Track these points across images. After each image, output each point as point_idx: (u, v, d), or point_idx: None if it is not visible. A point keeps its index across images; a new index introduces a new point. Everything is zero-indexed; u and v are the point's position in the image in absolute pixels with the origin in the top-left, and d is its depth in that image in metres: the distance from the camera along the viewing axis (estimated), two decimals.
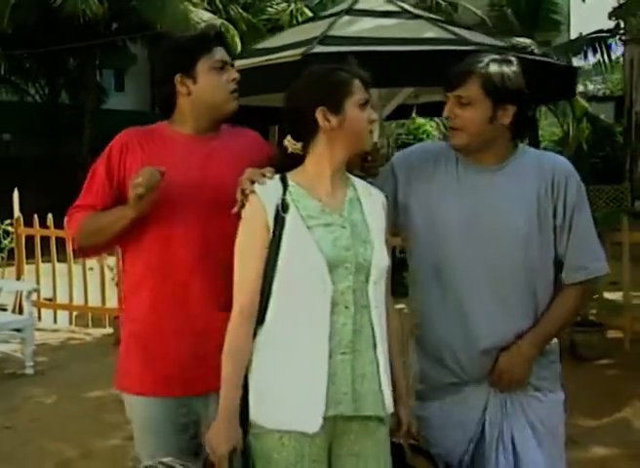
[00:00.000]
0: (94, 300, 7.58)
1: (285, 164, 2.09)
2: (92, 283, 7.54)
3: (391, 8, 4.60)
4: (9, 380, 5.84)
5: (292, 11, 17.18)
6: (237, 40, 15.38)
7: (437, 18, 4.70)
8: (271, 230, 1.99)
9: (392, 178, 2.38)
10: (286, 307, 1.99)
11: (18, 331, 6.07)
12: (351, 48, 4.02)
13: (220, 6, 16.77)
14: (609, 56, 16.43)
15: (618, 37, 12.41)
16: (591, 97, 23.75)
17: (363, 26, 4.32)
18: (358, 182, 2.16)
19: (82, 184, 2.39)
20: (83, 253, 2.47)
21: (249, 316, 2.00)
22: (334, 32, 4.20)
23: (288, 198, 2.01)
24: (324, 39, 4.10)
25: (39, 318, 7.74)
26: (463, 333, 2.31)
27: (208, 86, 2.30)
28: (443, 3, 16.67)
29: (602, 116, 18.70)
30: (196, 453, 2.31)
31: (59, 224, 7.48)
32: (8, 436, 4.59)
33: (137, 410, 2.37)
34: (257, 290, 2.00)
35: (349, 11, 4.53)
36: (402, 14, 4.52)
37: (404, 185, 2.37)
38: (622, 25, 10.33)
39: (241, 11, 17.16)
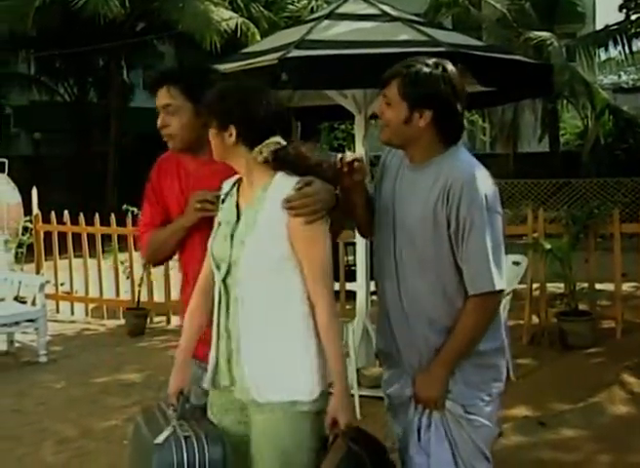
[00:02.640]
0: (108, 293, 7.93)
1: None
2: (107, 277, 7.89)
3: (371, 11, 4.76)
4: (23, 367, 6.20)
5: (312, 7, 17.33)
6: (258, 38, 15.61)
7: (415, 19, 4.83)
8: None
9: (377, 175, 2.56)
10: None
11: (32, 321, 6.40)
12: (325, 51, 4.24)
13: (242, 4, 17.01)
14: (630, 47, 16.34)
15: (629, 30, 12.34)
16: (617, 89, 23.58)
17: (340, 30, 4.49)
18: (277, 184, 2.22)
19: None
20: (156, 264, 3.03)
21: (201, 289, 2.40)
22: (311, 36, 4.39)
23: (230, 194, 2.34)
24: (301, 43, 4.30)
25: (57, 310, 8.12)
26: (387, 322, 2.49)
27: None
28: None
29: (625, 107, 18.55)
30: None
31: (80, 221, 7.86)
32: (14, 417, 4.93)
33: None
34: (207, 269, 2.37)
35: (330, 15, 4.71)
36: (380, 16, 4.69)
37: (376, 182, 2.53)
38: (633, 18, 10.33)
39: (262, 9, 17.37)
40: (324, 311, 2.20)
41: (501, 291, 2.33)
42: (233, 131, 2.20)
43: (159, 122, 2.60)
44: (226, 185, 2.39)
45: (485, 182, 2.32)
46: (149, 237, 2.71)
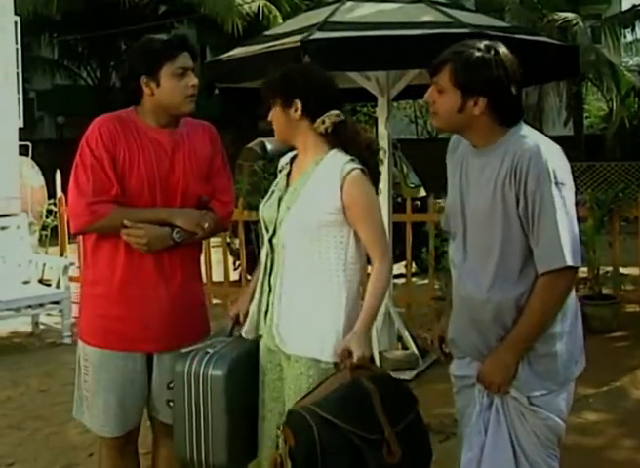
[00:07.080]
0: None
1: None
2: None
3: None
4: (48, 349, 6.28)
5: None
6: (280, 21, 15.54)
7: (438, 0, 4.80)
8: None
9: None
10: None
11: (57, 303, 6.48)
12: (348, 33, 4.21)
13: None
14: None
15: None
16: None
17: (363, 12, 4.45)
18: (329, 160, 2.42)
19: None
20: (82, 233, 2.78)
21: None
22: (334, 18, 4.35)
23: (286, 166, 2.57)
24: (324, 25, 4.27)
25: None
26: (454, 300, 2.45)
27: (168, 90, 2.63)
28: None
29: None
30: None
31: None
32: (41, 397, 5.00)
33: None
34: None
35: None
36: None
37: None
38: None
39: None
40: (376, 270, 2.44)
41: (575, 269, 2.21)
42: (299, 105, 2.39)
43: (192, 89, 2.63)
44: (283, 160, 2.60)
45: (553, 155, 2.23)
46: (115, 211, 2.58)
